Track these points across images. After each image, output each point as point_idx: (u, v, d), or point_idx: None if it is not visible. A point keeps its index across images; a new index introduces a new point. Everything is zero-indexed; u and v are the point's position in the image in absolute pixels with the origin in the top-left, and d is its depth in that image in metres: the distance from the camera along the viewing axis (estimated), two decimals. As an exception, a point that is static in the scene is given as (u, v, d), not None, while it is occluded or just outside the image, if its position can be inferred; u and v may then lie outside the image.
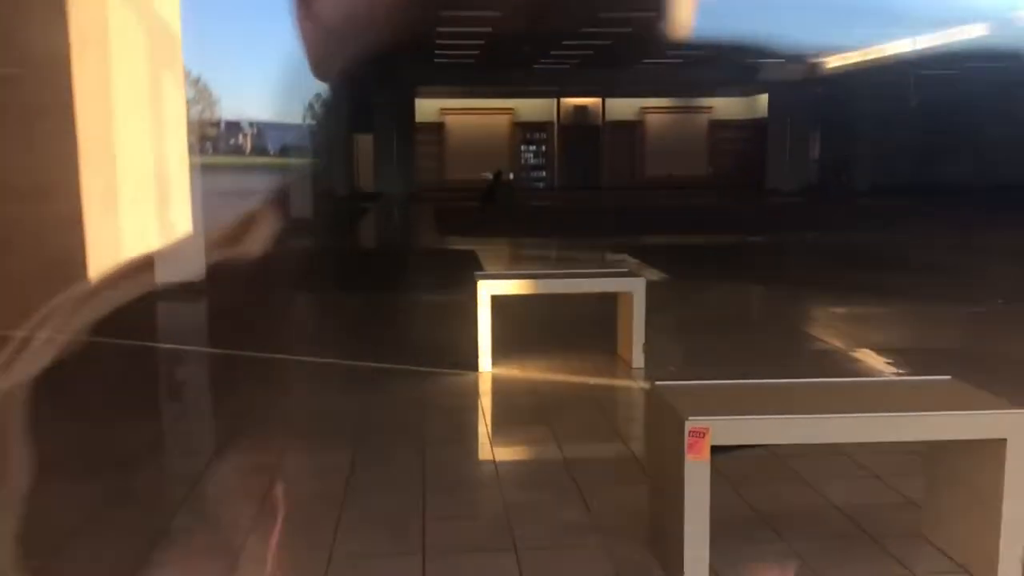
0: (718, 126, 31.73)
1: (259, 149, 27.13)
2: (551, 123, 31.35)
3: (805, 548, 3.16)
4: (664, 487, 2.99)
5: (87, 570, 3.09)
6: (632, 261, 11.25)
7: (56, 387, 4.96)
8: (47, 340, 5.91)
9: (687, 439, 2.73)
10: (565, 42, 20.73)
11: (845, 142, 26.96)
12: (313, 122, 18.71)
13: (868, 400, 3.00)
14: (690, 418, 2.74)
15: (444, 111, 30.58)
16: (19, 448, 3.88)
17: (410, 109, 27.98)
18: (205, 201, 9.41)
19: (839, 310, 8.14)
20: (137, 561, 3.10)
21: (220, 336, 7.38)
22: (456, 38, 19.70)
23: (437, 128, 30.64)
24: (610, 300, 6.33)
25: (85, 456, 4.18)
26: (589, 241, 14.89)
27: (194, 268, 9.18)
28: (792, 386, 3.24)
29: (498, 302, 5.89)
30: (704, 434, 2.74)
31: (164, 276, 9.03)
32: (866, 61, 21.53)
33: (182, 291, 8.90)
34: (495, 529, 3.36)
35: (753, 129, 30.55)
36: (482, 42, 20.37)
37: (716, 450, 2.80)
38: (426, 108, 29.48)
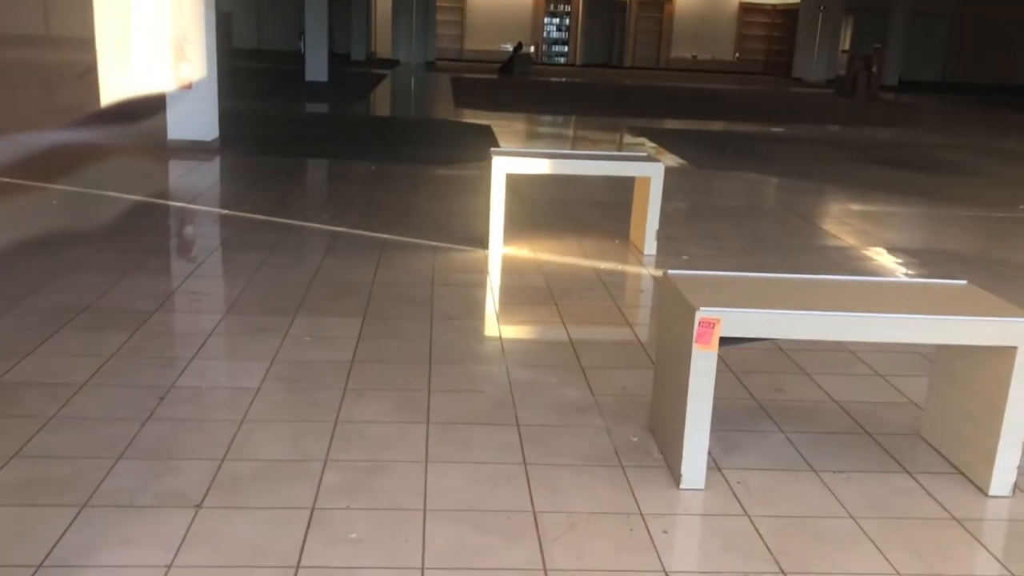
0: (748, 10, 30.66)
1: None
2: (577, -5, 30.30)
3: (802, 440, 3.21)
4: (669, 374, 3.01)
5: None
6: (650, 145, 11.06)
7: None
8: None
9: (697, 328, 2.73)
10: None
11: (878, 34, 26.07)
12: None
13: (882, 300, 2.97)
14: (701, 308, 2.73)
15: (466, -23, 29.55)
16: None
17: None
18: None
19: (857, 207, 8.04)
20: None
21: (233, 198, 7.35)
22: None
23: (458, -6, 29.67)
24: (621, 184, 6.25)
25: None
26: (608, 122, 14.62)
27: (207, 126, 9.07)
28: (804, 282, 3.22)
29: (512, 180, 5.81)
30: (714, 324, 2.73)
31: (176, 133, 8.94)
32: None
33: (193, 150, 8.83)
34: (498, 404, 3.41)
35: (783, 15, 29.52)
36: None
37: (724, 341, 2.80)
38: (448, -27, 28.49)
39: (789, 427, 3.32)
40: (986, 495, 2.88)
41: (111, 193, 6.83)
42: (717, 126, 14.54)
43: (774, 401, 3.56)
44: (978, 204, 8.40)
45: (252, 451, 2.95)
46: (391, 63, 25.85)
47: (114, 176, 7.53)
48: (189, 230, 6.28)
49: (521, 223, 6.34)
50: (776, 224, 7.25)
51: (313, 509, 2.62)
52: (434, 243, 5.81)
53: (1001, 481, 2.86)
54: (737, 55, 30.85)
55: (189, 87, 8.82)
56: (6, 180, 7.13)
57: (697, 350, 2.75)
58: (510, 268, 5.42)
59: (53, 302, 4.33)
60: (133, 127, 10.23)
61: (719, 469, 2.96)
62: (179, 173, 8.15)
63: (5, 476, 2.72)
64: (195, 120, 8.97)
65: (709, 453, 2.90)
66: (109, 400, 3.28)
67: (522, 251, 5.72)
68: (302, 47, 18.71)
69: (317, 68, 18.16)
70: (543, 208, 7.08)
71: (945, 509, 2.80)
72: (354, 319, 4.28)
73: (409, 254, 5.55)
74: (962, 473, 3.01)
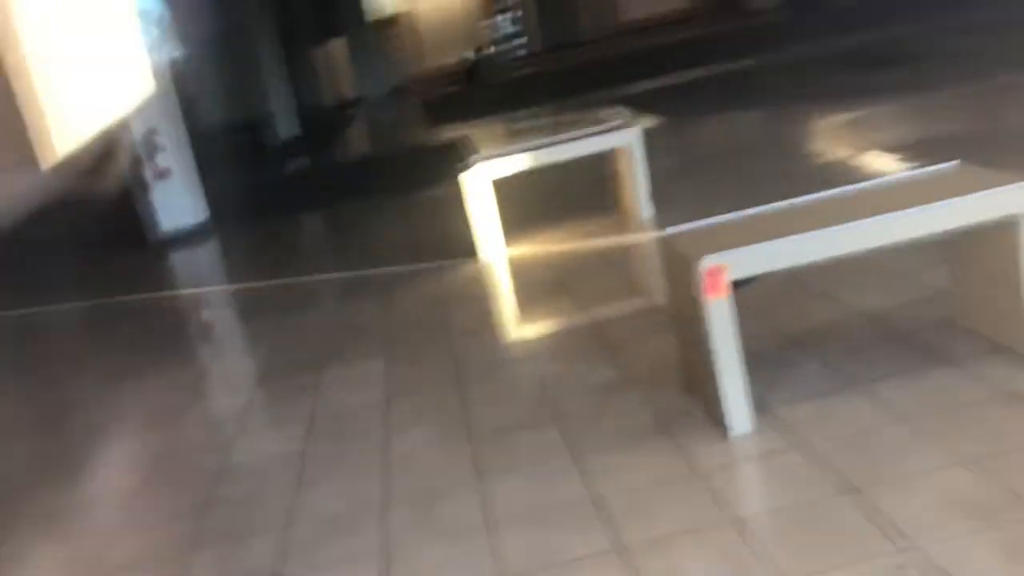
0: (689, -47, 30.45)
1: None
2: (518, -14, 30.28)
3: (842, 360, 3.21)
4: (690, 332, 3.02)
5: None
6: (625, 112, 11.04)
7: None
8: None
9: (704, 280, 2.73)
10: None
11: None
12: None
13: (881, 202, 2.96)
14: (704, 258, 2.73)
15: (407, -1, 29.63)
16: None
17: (376, 3, 27.10)
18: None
19: (840, 117, 7.98)
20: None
21: (237, 272, 7.42)
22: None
23: (408, 17, 29.75)
24: (609, 157, 6.25)
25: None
26: (580, 99, 14.60)
27: (194, 209, 9.16)
28: (800, 205, 3.20)
29: (499, 181, 5.84)
30: (721, 272, 2.74)
31: (166, 223, 9.03)
32: None
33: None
34: (534, 404, 3.43)
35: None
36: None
37: (735, 285, 2.80)
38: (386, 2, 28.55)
39: (824, 350, 3.32)
40: (1032, 365, 2.86)
41: (121, 298, 6.91)
42: (688, 76, 14.48)
43: (804, 329, 3.56)
44: (958, 83, 8.31)
45: (314, 512, 2.99)
46: (358, 100, 25.95)
47: (117, 278, 7.62)
48: (203, 314, 6.35)
49: (517, 222, 6.35)
50: (765, 157, 7.21)
51: (386, 547, 2.65)
52: (437, 264, 5.84)
53: (1043, 347, 2.84)
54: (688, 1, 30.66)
55: (167, 176, 8.91)
56: (13, 313, 7.24)
57: (710, 300, 2.75)
58: (516, 269, 5.43)
59: (84, 418, 4.39)
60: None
61: (766, 409, 2.96)
62: (177, 261, 8.24)
63: (83, 596, 2.77)
64: (181, 206, 9.06)
65: (751, 396, 2.90)
66: (165, 498, 3.33)
67: (523, 249, 5.73)
68: (269, 110, 18.85)
69: (288, 124, 18.29)
70: (535, 201, 7.08)
71: (997, 388, 2.78)
72: (377, 358, 4.31)
73: (416, 281, 5.58)
74: (1008, 348, 2.99)
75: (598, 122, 6.22)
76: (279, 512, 3.01)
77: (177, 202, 9.02)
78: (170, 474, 3.54)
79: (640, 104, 11.54)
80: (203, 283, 7.14)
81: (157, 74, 8.81)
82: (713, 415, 2.97)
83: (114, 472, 3.68)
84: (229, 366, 4.91)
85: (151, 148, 8.85)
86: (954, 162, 3.23)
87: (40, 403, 4.85)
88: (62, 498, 3.53)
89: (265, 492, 3.21)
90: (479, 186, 5.65)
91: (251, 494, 3.22)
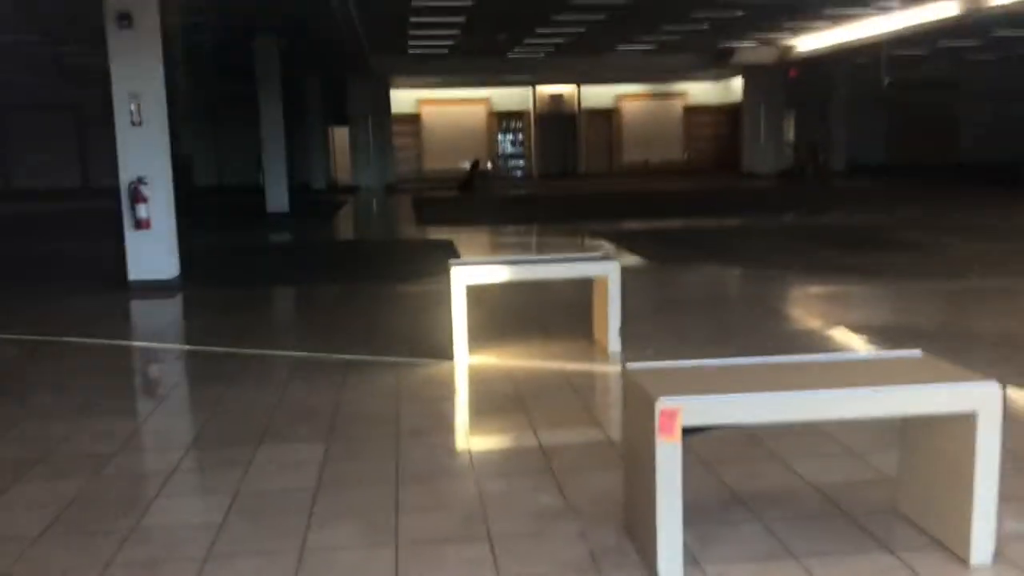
0: (693, 111, 31.75)
1: (234, 144, 26.85)
2: (527, 112, 31.28)
3: (781, 527, 3.15)
4: (638, 470, 2.97)
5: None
6: (609, 246, 11.24)
7: None
8: None
9: (658, 420, 2.71)
10: (539, 30, 20.63)
11: (820, 124, 27.06)
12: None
13: (840, 376, 2.98)
14: (660, 398, 2.72)
15: (421, 102, 30.44)
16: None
17: (386, 101, 27.81)
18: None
19: (816, 290, 8.16)
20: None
21: (194, 333, 7.30)
22: (430, 28, 19.57)
23: (414, 119, 30.50)
24: (586, 285, 6.31)
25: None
26: (567, 227, 14.87)
27: (167, 264, 9.08)
28: (764, 365, 3.22)
29: (474, 290, 5.85)
30: (675, 415, 2.72)
31: (136, 273, 8.93)
32: (839, 43, 21.57)
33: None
34: (469, 519, 3.33)
35: (728, 113, 30.60)
36: (457, 32, 20.24)
37: (689, 431, 2.77)
38: (402, 99, 29.33)
39: (766, 514, 3.27)
40: (968, 565, 2.83)
41: (70, 339, 6.75)
42: (674, 224, 14.83)
43: (749, 489, 3.52)
44: (933, 277, 8.56)
45: (215, 590, 2.84)
46: (352, 189, 26.28)
47: (74, 320, 7.47)
48: (151, 369, 6.20)
49: (487, 331, 6.34)
50: (739, 312, 7.32)
51: (280, 645, 2.50)
52: (398, 359, 5.78)
53: (980, 550, 2.82)
54: (687, 155, 31.75)
55: (147, 227, 8.87)
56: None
57: (661, 442, 2.72)
58: (477, 377, 5.39)
59: (8, 454, 4.21)
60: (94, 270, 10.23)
61: (698, 563, 2.89)
62: (139, 313, 8.11)
63: (-47, 641, 2.59)
64: (155, 259, 8.98)
65: (686, 547, 2.83)
66: (68, 550, 3.16)
67: (489, 359, 5.70)
68: (262, 180, 19.00)
69: (278, 199, 18.40)
70: (507, 313, 7.10)
71: (928, 584, 2.74)
72: (318, 444, 4.20)
73: (374, 372, 5.51)
74: (943, 545, 2.96)
75: (581, 250, 6.30)
76: (182, 586, 2.86)
77: (151, 254, 8.96)
78: (79, 525, 3.37)
79: (624, 242, 11.76)
80: (161, 338, 7.00)
81: (156, 127, 8.89)
82: (647, 560, 2.89)
83: (14, 516, 3.50)
84: (165, 426, 4.76)
85: (136, 198, 8.83)
86: (916, 351, 3.27)
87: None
88: (-42, 532, 3.34)
89: (171, 559, 3.05)
90: (456, 289, 5.65)
91: (156, 558, 3.06)
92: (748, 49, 25.44)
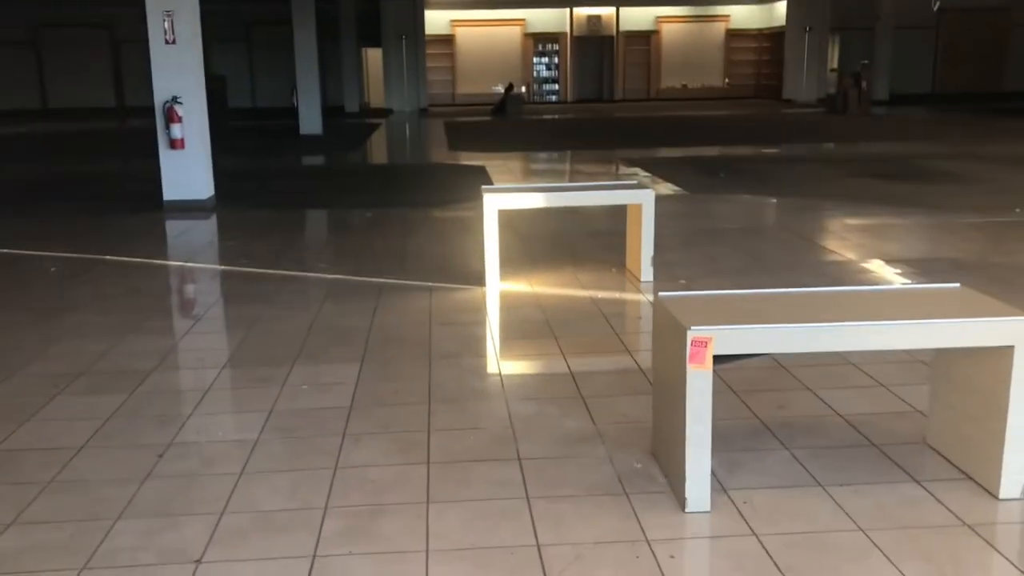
0: (735, 36, 30.94)
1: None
2: (564, 34, 30.66)
3: (807, 456, 3.17)
4: (667, 397, 2.98)
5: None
6: (644, 174, 11.11)
7: None
8: None
9: (689, 348, 2.71)
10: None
11: (865, 51, 26.27)
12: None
13: (875, 308, 2.95)
14: (692, 328, 2.71)
15: (454, 23, 29.94)
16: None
17: (420, 21, 27.37)
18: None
19: (853, 221, 8.03)
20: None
21: (229, 254, 7.38)
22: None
23: (447, 40, 30.04)
24: (620, 213, 6.26)
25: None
26: (602, 154, 14.70)
27: (201, 185, 9.13)
28: (798, 295, 3.20)
29: (506, 217, 5.83)
30: (706, 343, 2.71)
31: (171, 194, 8.99)
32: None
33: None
34: (499, 440, 3.38)
35: (770, 38, 29.79)
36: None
37: (720, 360, 2.77)
38: (435, 20, 28.85)
39: (793, 443, 3.28)
40: (996, 499, 2.83)
41: (108, 257, 6.86)
42: (710, 151, 14.60)
43: (777, 418, 3.53)
44: (974, 211, 8.38)
45: (251, 503, 2.92)
46: (385, 112, 26.10)
47: (111, 239, 7.57)
48: (187, 288, 6.30)
49: (518, 258, 6.34)
50: (773, 243, 7.24)
51: (314, 557, 2.58)
52: (431, 284, 5.81)
53: (1010, 483, 2.81)
54: (727, 81, 31.06)
55: (182, 147, 8.90)
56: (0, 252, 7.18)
57: (691, 370, 2.72)
58: (508, 304, 5.41)
59: (51, 369, 4.33)
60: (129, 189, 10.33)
61: (724, 490, 2.92)
62: (175, 233, 8.20)
63: (3, 544, 2.70)
64: (189, 180, 9.04)
65: (713, 474, 2.86)
66: (107, 462, 3.26)
67: (519, 286, 5.71)
68: (295, 103, 18.91)
69: (311, 122, 18.34)
70: (540, 242, 7.09)
71: (956, 516, 2.75)
72: (352, 364, 4.27)
73: (406, 297, 5.55)
74: (971, 478, 2.96)
75: (615, 178, 6.24)
76: (216, 498, 2.95)
77: (186, 174, 9.01)
78: (119, 438, 3.47)
79: (659, 170, 11.62)
80: (196, 258, 7.09)
81: (190, 45, 8.84)
82: (674, 485, 2.92)
83: (58, 427, 3.61)
84: (202, 345, 4.84)
85: (171, 118, 8.84)
86: (954, 285, 3.22)
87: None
88: (4, 443, 3.45)
89: (206, 475, 3.14)
90: (489, 215, 5.63)
91: (192, 473, 3.15)
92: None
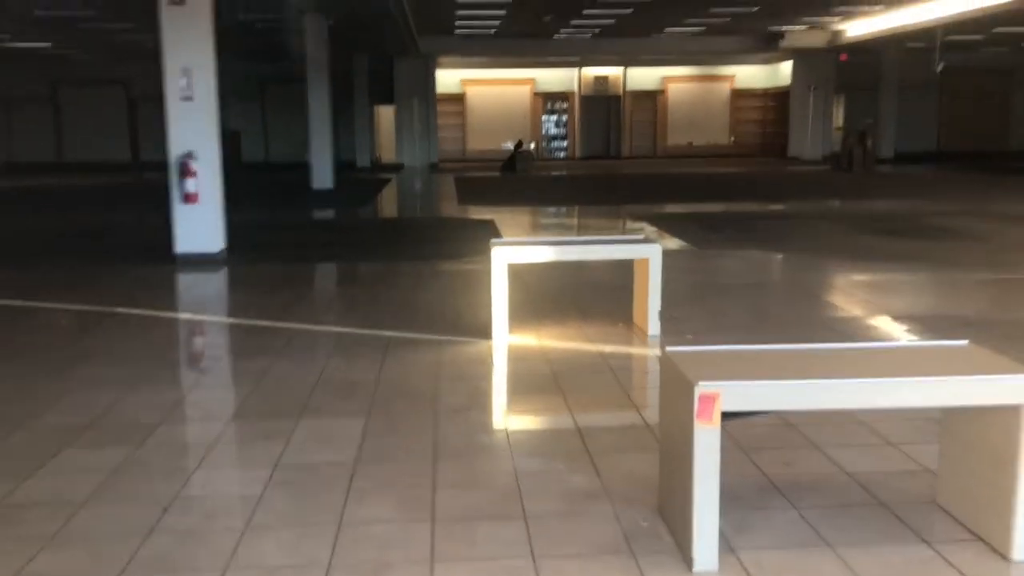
0: (740, 94, 31.35)
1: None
2: (572, 93, 31.12)
3: (816, 516, 3.14)
4: (674, 453, 2.97)
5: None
6: (650, 229, 11.17)
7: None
8: None
9: (696, 404, 2.70)
10: (586, 11, 20.47)
11: (869, 110, 26.57)
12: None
13: (883, 365, 2.95)
14: (700, 383, 2.71)
15: (465, 82, 30.42)
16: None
17: (431, 81, 27.83)
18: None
19: (860, 277, 8.04)
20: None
21: (238, 307, 7.41)
22: (477, 8, 19.51)
23: (458, 99, 30.50)
24: (626, 267, 6.29)
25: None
26: (609, 210, 14.81)
27: (213, 238, 9.21)
28: (806, 351, 3.19)
29: (514, 270, 5.86)
30: (714, 399, 2.71)
31: (183, 246, 9.07)
32: (891, 27, 21.12)
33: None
34: (505, 497, 3.36)
35: (775, 97, 30.17)
36: (503, 12, 20.16)
37: (728, 416, 2.76)
38: (447, 79, 29.34)
39: (801, 502, 3.25)
40: (1008, 560, 2.79)
41: (119, 309, 6.90)
42: (717, 208, 14.69)
43: (785, 476, 3.50)
44: (980, 268, 8.39)
45: (256, 558, 2.90)
46: (396, 167, 26.40)
47: (122, 291, 7.62)
48: (196, 341, 6.32)
49: (526, 311, 6.36)
50: (780, 299, 7.25)
51: (317, 615, 2.56)
52: (439, 337, 5.82)
53: (1022, 545, 2.78)
54: (732, 139, 31.39)
55: (195, 201, 9.00)
56: (15, 303, 7.23)
57: (699, 426, 2.72)
58: (515, 357, 5.41)
59: (61, 420, 4.33)
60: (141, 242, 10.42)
61: (732, 550, 2.89)
62: (186, 286, 8.25)
63: (4, 598, 2.68)
64: (202, 233, 9.12)
65: (721, 534, 2.83)
66: (111, 515, 3.25)
67: (527, 339, 5.72)
68: (308, 157, 19.17)
69: (322, 176, 18.56)
70: (547, 295, 7.11)
71: (966, 577, 2.71)
72: (358, 419, 4.26)
73: (414, 350, 5.56)
74: (982, 539, 2.92)
75: (622, 232, 6.29)
76: (221, 553, 2.92)
77: (198, 228, 9.10)
78: (124, 491, 3.46)
79: (666, 226, 11.68)
80: (206, 311, 7.12)
81: (206, 102, 9.00)
82: (681, 544, 2.89)
83: (63, 481, 3.60)
84: (208, 397, 4.85)
85: (184, 171, 8.96)
86: (962, 342, 3.22)
87: (10, 399, 4.79)
88: (10, 497, 3.44)
89: (211, 529, 3.13)
90: (498, 268, 5.67)
91: (196, 529, 3.13)
92: (798, 32, 25.03)
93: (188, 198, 9.02)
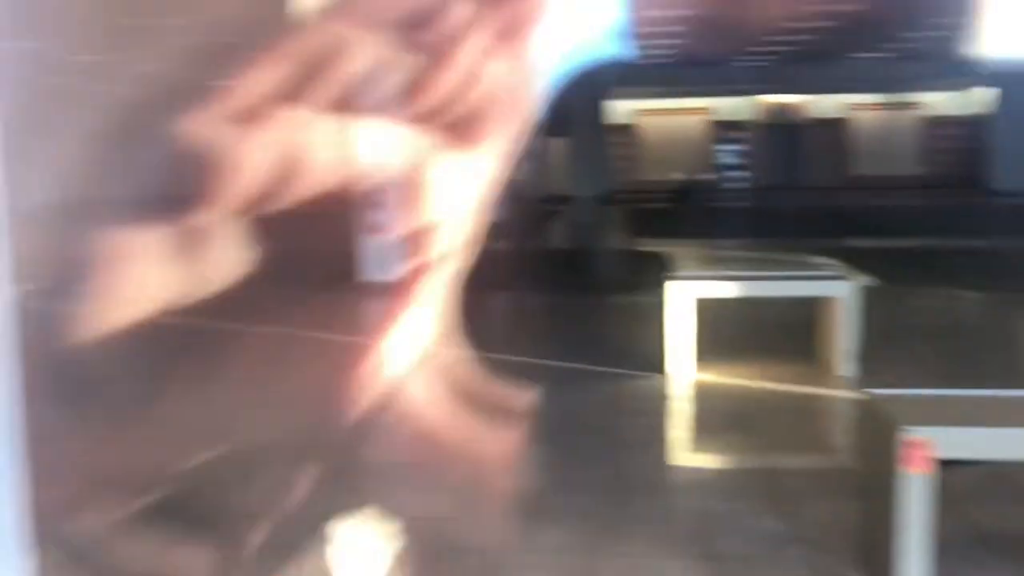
0: (932, 123, 29.67)
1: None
2: (751, 121, 30.47)
3: (1038, 578, 2.89)
4: (877, 501, 2.81)
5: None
6: (836, 264, 10.70)
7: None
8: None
9: (904, 450, 2.55)
10: (766, 37, 20.06)
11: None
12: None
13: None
14: (908, 428, 2.56)
15: (639, 112, 30.41)
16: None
17: (603, 111, 28.00)
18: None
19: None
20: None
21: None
22: (653, 37, 19.54)
23: (631, 129, 30.51)
24: (802, 303, 6.05)
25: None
26: (790, 243, 14.32)
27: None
28: (1018, 399, 2.96)
29: (696, 304, 5.76)
30: (923, 446, 2.55)
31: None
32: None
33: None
34: (693, 536, 3.29)
35: (971, 125, 28.35)
36: (679, 41, 20.09)
37: (941, 464, 2.60)
38: (620, 109, 29.42)
39: (1020, 560, 3.00)
40: None
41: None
42: (909, 243, 13.91)
43: (1001, 531, 3.24)
44: None
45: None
46: (566, 199, 26.67)
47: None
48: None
49: (709, 346, 6.22)
50: (988, 342, 6.76)
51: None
52: (618, 370, 5.79)
53: None
54: (925, 168, 29.72)
55: (380, 231, 9.42)
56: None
57: (908, 473, 2.56)
58: (700, 394, 5.30)
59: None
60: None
61: (940, 607, 2.70)
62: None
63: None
64: (385, 261, 9.51)
65: (929, 588, 2.65)
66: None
67: (712, 375, 5.59)
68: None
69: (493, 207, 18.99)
70: (730, 329, 6.93)
71: None
72: (534, 447, 4.28)
73: (593, 382, 5.55)
74: None
75: (808, 268, 6.07)
76: None
77: (382, 256, 9.50)
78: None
79: (853, 261, 11.15)
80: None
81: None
82: (883, 598, 2.73)
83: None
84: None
85: (371, 202, 9.40)
86: None
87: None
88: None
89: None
90: (681, 303, 5.59)
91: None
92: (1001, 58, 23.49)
93: (373, 228, 9.45)
